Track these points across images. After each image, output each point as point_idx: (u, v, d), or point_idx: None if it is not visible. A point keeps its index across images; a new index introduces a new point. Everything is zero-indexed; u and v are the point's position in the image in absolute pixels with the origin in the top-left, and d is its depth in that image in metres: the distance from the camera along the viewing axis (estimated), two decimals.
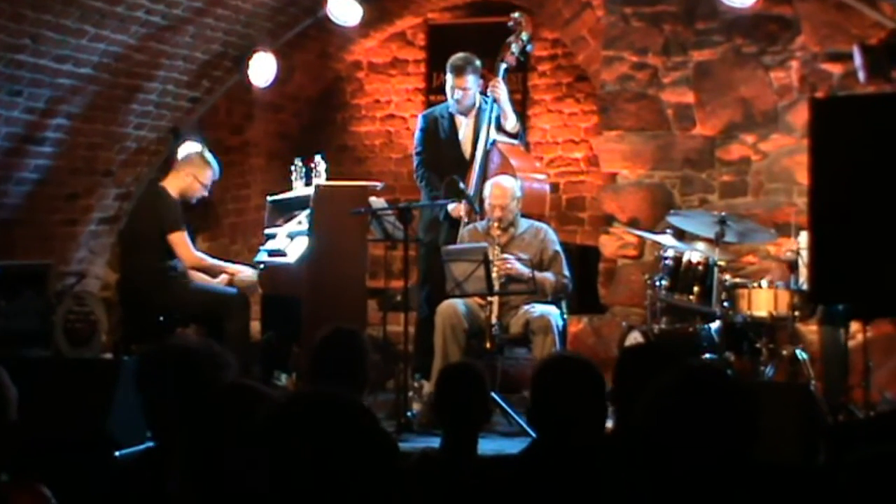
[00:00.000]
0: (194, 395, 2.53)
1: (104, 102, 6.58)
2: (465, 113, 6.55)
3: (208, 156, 6.31)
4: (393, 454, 1.76)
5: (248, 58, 7.20)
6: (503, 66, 6.48)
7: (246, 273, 6.28)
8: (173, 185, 6.14)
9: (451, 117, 6.58)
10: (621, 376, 3.28)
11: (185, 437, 2.26)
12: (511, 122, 6.53)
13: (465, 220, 6.30)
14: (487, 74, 6.67)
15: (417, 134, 6.66)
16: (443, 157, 6.50)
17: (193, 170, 6.17)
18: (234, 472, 2.07)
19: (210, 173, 6.22)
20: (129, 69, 6.50)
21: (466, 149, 6.54)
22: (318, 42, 8.19)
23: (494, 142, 6.46)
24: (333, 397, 1.86)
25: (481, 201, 6.14)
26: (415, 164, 6.64)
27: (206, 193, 6.26)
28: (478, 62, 6.48)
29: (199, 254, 6.29)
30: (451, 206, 6.35)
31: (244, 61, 7.22)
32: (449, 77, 6.48)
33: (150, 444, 2.75)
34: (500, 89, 6.43)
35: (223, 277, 6.24)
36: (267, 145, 8.57)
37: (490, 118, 6.44)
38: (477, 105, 6.55)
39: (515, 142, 6.59)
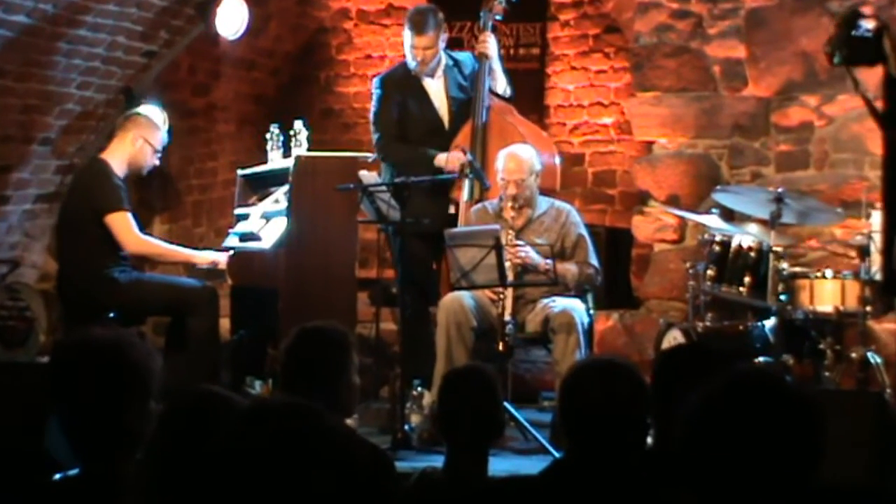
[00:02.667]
0: (134, 405, 2.52)
1: (41, 57, 6.56)
2: (430, 74, 6.52)
3: (156, 113, 6.29)
4: (385, 476, 1.75)
5: (215, 4, 7.18)
6: (492, 17, 6.48)
7: (206, 255, 6.26)
8: (118, 155, 6.11)
9: (415, 79, 6.52)
10: (660, 384, 3.27)
11: (124, 458, 2.27)
12: (501, 85, 6.55)
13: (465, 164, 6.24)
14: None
15: (376, 100, 6.56)
16: (415, 126, 6.47)
17: (142, 131, 6.13)
18: (196, 496, 2.07)
19: (161, 135, 6.20)
20: (70, 17, 6.48)
21: (443, 115, 6.53)
22: None
23: (491, 106, 6.47)
24: (300, 409, 1.86)
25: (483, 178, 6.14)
26: (374, 136, 6.55)
27: (157, 161, 6.24)
28: (440, 15, 6.46)
29: (145, 237, 6.20)
30: (442, 156, 6.31)
31: (209, 8, 7.19)
32: (408, 35, 6.44)
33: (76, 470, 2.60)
34: (490, 45, 6.43)
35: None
36: (237, 109, 8.56)
37: (486, 80, 6.42)
38: (443, 64, 6.54)
39: (508, 104, 6.58)
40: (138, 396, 2.54)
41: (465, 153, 6.13)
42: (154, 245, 6.22)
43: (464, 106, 6.49)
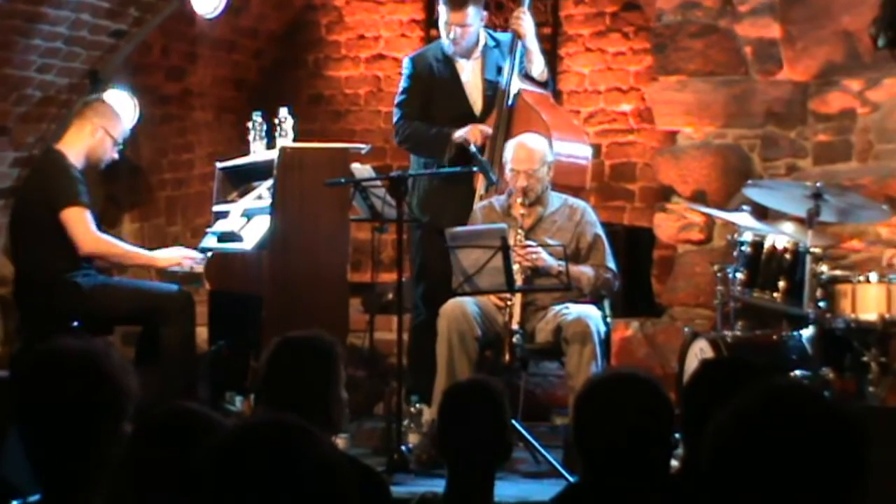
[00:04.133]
0: (106, 426, 2.51)
1: None
2: (465, 55, 6.57)
3: (121, 99, 6.28)
4: (380, 502, 1.76)
5: None
6: None
7: (170, 256, 6.24)
8: (75, 145, 6.11)
9: (449, 60, 6.59)
10: (689, 401, 3.28)
11: (91, 484, 2.26)
12: (538, 67, 6.56)
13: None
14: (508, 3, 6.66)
15: (404, 81, 6.66)
16: (442, 112, 6.53)
17: (102, 121, 6.13)
18: None
19: (123, 125, 6.20)
20: None
21: (475, 100, 6.58)
22: None
23: (520, 92, 6.48)
24: (290, 428, 1.87)
25: (501, 171, 6.15)
26: (395, 118, 6.63)
27: (115, 154, 6.23)
28: None
29: (103, 236, 6.18)
30: (461, 131, 6.33)
31: None
32: (443, 10, 6.51)
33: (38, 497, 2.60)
34: (526, 23, 6.45)
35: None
36: (216, 95, 8.56)
37: (513, 61, 6.44)
38: (481, 44, 6.57)
39: (545, 91, 6.59)
40: (111, 416, 2.53)
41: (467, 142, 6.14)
42: (112, 245, 6.18)
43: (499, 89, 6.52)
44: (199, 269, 6.25)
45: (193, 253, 6.24)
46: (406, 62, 6.75)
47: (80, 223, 5.97)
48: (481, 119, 6.51)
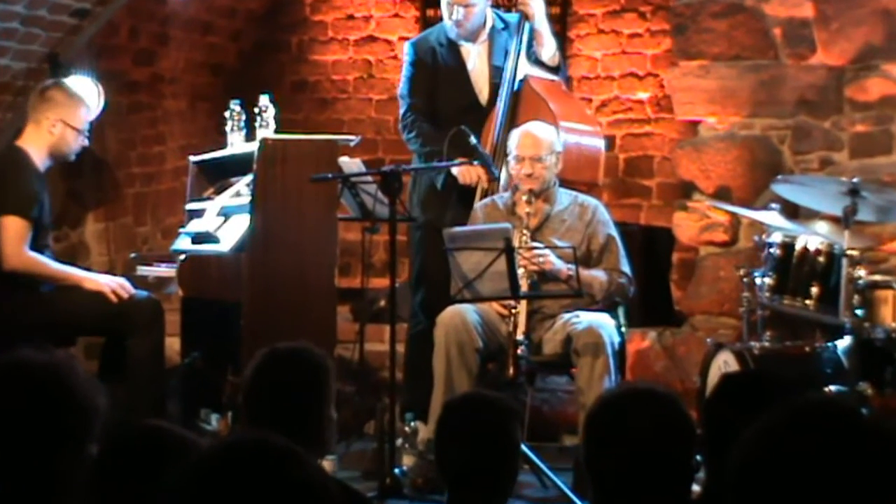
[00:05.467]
0: (69, 447, 2.51)
1: None
2: (470, 38, 6.60)
3: (82, 85, 6.27)
4: None
5: None
6: None
7: (102, 278, 6.19)
8: (35, 143, 6.10)
9: (453, 45, 6.62)
10: (712, 420, 3.29)
11: None
12: (549, 50, 6.58)
13: (484, 186, 6.32)
14: None
15: (406, 69, 6.70)
16: (446, 102, 6.56)
17: (59, 113, 6.13)
18: None
19: (84, 111, 6.20)
20: None
21: (481, 88, 6.60)
22: None
23: (527, 78, 6.49)
24: (274, 449, 1.87)
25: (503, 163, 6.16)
26: (401, 111, 6.69)
27: (85, 142, 6.24)
28: None
29: (32, 255, 6.02)
30: (456, 170, 6.36)
31: None
32: None
33: None
34: (535, 2, 6.47)
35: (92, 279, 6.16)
36: (189, 81, 8.56)
37: (519, 43, 6.46)
38: (488, 25, 6.60)
39: (556, 77, 6.60)
40: (76, 437, 2.53)
41: (466, 135, 6.14)
42: (40, 265, 6.07)
43: None
44: (168, 273, 6.25)
45: (128, 286, 6.18)
46: (407, 48, 6.79)
47: (13, 236, 5.94)
48: (489, 108, 6.52)
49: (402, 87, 6.70)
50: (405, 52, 6.79)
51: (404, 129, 6.64)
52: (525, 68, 6.51)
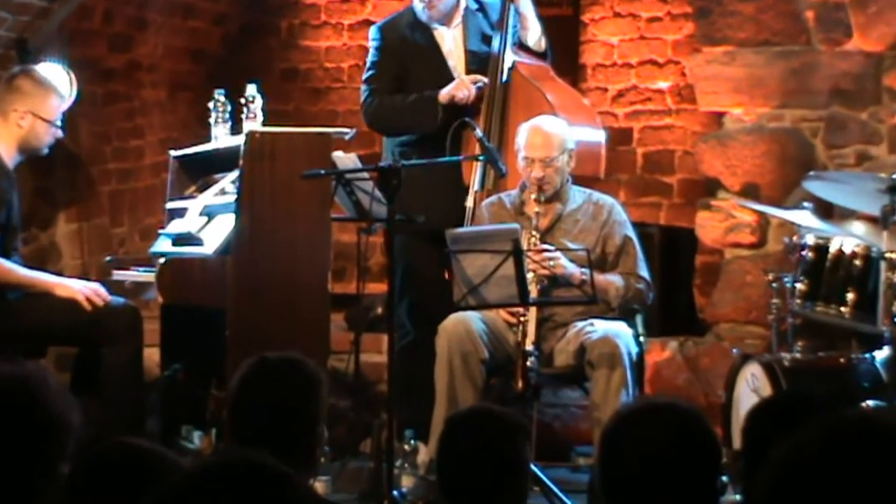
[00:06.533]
0: (40, 466, 2.50)
1: None
2: (443, 21, 6.62)
3: (51, 73, 6.26)
4: None
5: None
6: None
7: (73, 283, 6.19)
8: (4, 139, 6.11)
9: (426, 29, 6.65)
10: (748, 442, 3.29)
11: None
12: (535, 34, 6.62)
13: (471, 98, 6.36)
14: None
15: (372, 55, 6.72)
16: (421, 90, 6.55)
17: (27, 104, 6.13)
18: None
19: (56, 101, 6.20)
20: None
21: (459, 75, 6.60)
22: None
23: (515, 66, 6.52)
24: (263, 470, 1.87)
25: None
26: (363, 97, 6.68)
27: (59, 134, 6.24)
28: None
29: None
30: (447, 89, 6.37)
31: None
32: None
33: None
34: None
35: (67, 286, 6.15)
36: (169, 69, 8.56)
37: (506, 31, 6.47)
38: (462, 6, 6.64)
39: (543, 63, 6.63)
40: (47, 455, 2.53)
41: (471, 126, 6.15)
42: (5, 271, 6.09)
43: (486, 63, 6.56)
44: (147, 277, 6.24)
45: (103, 292, 6.17)
46: (373, 32, 6.78)
47: None
48: (467, 104, 6.50)
49: (366, 73, 6.71)
50: (371, 36, 6.79)
51: (366, 114, 6.67)
52: (510, 55, 6.51)
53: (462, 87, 6.41)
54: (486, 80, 6.40)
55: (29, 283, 6.15)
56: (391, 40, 6.64)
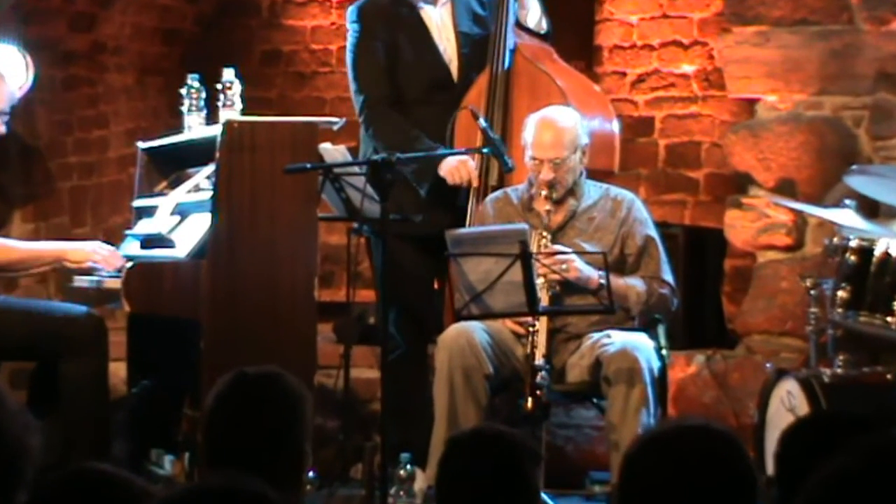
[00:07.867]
0: None
1: None
2: (430, 0, 6.64)
3: (5, 56, 6.28)
4: None
5: None
6: None
7: (80, 250, 6.21)
8: None
9: (411, 8, 6.64)
10: (783, 466, 3.31)
11: None
12: (534, 14, 6.67)
13: (475, 185, 6.33)
14: None
15: (351, 42, 6.68)
16: (409, 82, 6.58)
17: None
18: None
19: (7, 90, 6.21)
20: None
21: (451, 58, 6.65)
22: None
23: (517, 47, 6.55)
24: (244, 495, 1.86)
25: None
26: (358, 103, 6.66)
27: (3, 129, 6.24)
28: None
29: None
30: (447, 164, 6.37)
31: None
32: None
33: None
34: None
35: None
36: (137, 51, 8.57)
37: (508, 9, 6.50)
38: None
39: (545, 45, 6.65)
40: (3, 483, 2.53)
41: (476, 115, 6.15)
42: (7, 249, 6.15)
43: (480, 46, 6.58)
44: (112, 283, 6.23)
45: (118, 255, 6.19)
46: (351, 13, 6.72)
47: None
48: (461, 84, 6.55)
49: (351, 65, 6.68)
50: (348, 18, 6.75)
51: (364, 122, 6.65)
52: (511, 38, 6.53)
53: (456, 175, 6.38)
54: (482, 121, 6.26)
55: (35, 258, 6.18)
56: (373, 23, 6.61)
